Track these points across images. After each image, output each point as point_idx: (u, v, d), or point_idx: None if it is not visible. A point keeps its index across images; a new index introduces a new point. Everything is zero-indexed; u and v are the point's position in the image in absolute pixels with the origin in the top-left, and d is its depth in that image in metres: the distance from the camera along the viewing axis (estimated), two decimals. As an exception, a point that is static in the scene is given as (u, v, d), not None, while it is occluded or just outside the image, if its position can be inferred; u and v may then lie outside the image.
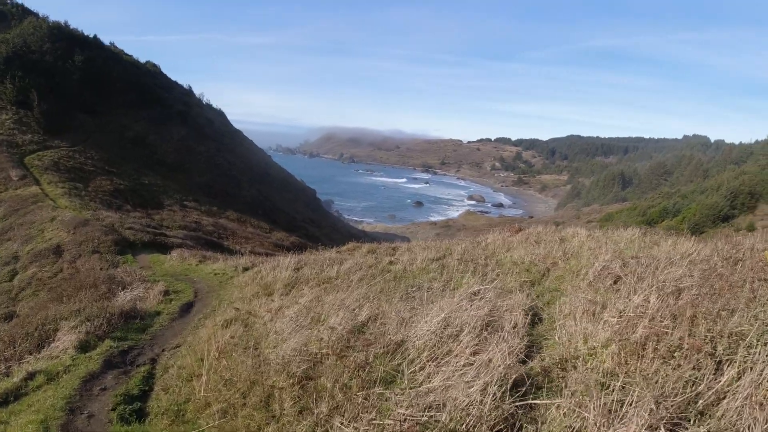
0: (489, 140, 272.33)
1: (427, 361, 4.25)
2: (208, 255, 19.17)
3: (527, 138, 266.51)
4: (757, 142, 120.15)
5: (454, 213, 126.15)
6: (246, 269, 14.17)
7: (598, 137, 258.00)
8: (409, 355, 4.47)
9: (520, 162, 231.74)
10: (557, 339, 4.66)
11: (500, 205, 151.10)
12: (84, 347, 7.43)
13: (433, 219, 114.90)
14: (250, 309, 8.19)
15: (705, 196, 76.04)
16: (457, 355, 4.21)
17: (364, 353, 4.41)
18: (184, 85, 71.79)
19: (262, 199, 53.07)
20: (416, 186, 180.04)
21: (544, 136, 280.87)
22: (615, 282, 6.16)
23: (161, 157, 47.38)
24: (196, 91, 73.69)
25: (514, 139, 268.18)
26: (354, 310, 6.09)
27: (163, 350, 7.59)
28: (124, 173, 38.27)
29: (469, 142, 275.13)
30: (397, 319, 5.58)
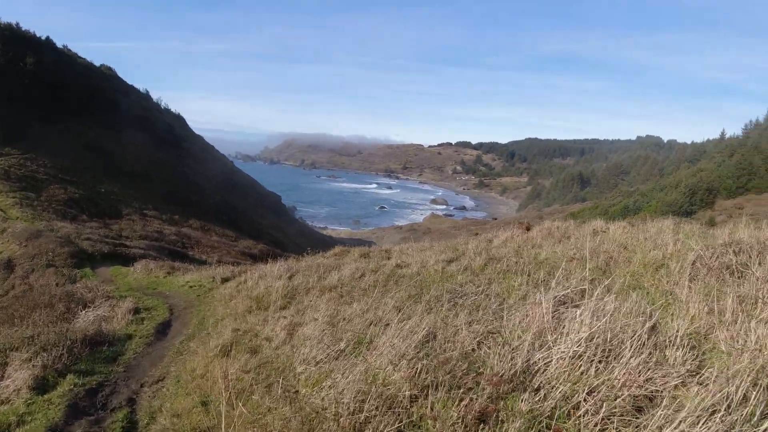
0: (450, 144, 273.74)
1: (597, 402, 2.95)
2: (176, 266, 17.38)
3: (487, 141, 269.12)
4: (708, 140, 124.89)
5: (419, 217, 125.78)
6: (226, 280, 12.59)
7: (555, 139, 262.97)
8: (554, 389, 3.17)
9: (481, 165, 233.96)
10: None
11: (463, 208, 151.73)
12: (41, 387, 5.79)
13: (398, 223, 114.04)
14: (250, 328, 6.74)
15: (664, 194, 78.07)
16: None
17: (485, 391, 3.08)
18: (142, 90, 68.64)
19: (226, 206, 50.76)
20: (379, 191, 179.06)
21: (504, 140, 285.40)
22: (732, 273, 5.12)
23: (119, 164, 44.53)
24: (154, 96, 70.59)
25: (474, 142, 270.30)
26: (408, 328, 4.76)
27: (142, 386, 6.02)
28: (79, 181, 35.56)
29: (430, 146, 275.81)
30: (472, 336, 4.32)
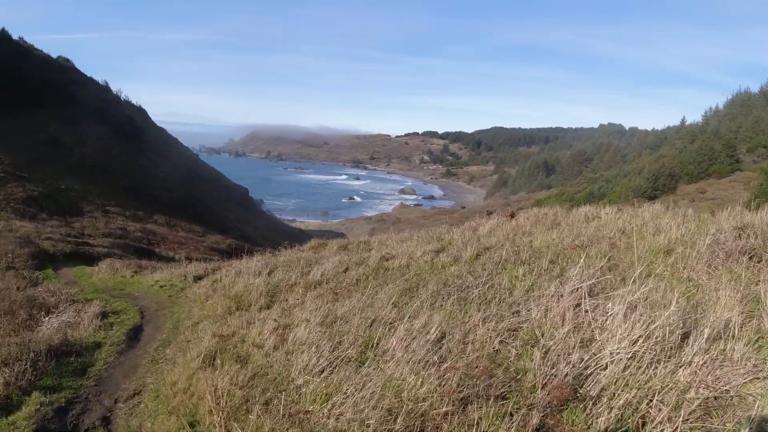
0: (417, 134, 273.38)
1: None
2: (144, 264, 16.45)
3: (453, 131, 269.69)
4: (669, 127, 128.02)
5: (388, 207, 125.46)
6: (199, 278, 11.85)
7: (520, 128, 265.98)
8: (616, 398, 2.73)
9: (448, 154, 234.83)
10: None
11: (431, 197, 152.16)
12: (5, 407, 5.08)
13: (367, 214, 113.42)
14: (234, 332, 6.14)
15: (628, 180, 79.80)
16: None
17: (539, 402, 2.62)
18: (101, 81, 65.69)
19: (191, 201, 49.19)
20: (347, 182, 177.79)
21: (470, 129, 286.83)
22: (751, 258, 4.82)
23: (79, 159, 42.45)
24: (113, 88, 67.75)
25: (440, 132, 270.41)
26: (417, 327, 4.28)
27: (116, 402, 5.38)
28: (37, 178, 33.67)
29: (397, 136, 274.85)
30: (494, 334, 3.88)
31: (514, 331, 4.29)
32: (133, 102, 71.05)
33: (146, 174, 48.38)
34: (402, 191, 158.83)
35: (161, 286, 11.87)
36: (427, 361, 3.55)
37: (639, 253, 6.25)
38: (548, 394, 2.71)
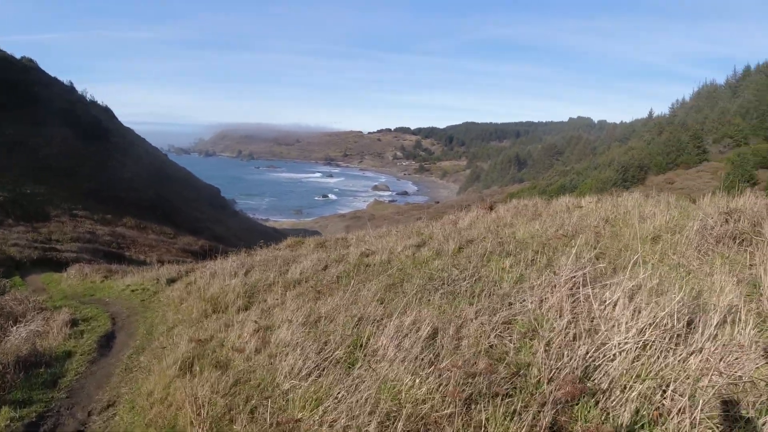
0: (389, 130, 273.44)
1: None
2: (114, 268, 15.89)
3: (426, 126, 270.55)
4: (637, 120, 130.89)
5: (362, 204, 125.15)
6: (172, 281, 11.44)
7: (492, 123, 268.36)
8: (628, 390, 2.56)
9: (421, 150, 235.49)
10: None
11: (405, 193, 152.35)
12: (-31, 426, 4.75)
13: (341, 211, 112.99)
14: (211, 336, 5.85)
15: (598, 172, 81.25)
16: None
17: (549, 398, 2.43)
18: (66, 82, 63.60)
19: (161, 202, 48.07)
20: (321, 179, 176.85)
21: (442, 124, 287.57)
22: (740, 243, 4.75)
23: (44, 162, 41.00)
24: (79, 89, 65.67)
25: (413, 128, 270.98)
26: (408, 323, 4.07)
27: (90, 414, 5.05)
28: (2, 183, 32.43)
29: (370, 132, 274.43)
30: (489, 328, 3.71)
31: (508, 324, 4.12)
32: (99, 102, 69.16)
33: (114, 176, 47.06)
34: (376, 188, 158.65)
35: (133, 291, 11.42)
36: (422, 359, 3.35)
37: (626, 240, 6.19)
38: (558, 390, 2.53)
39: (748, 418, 2.37)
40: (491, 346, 3.67)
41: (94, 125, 56.05)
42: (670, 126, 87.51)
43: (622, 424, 2.36)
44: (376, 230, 14.81)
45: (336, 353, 3.96)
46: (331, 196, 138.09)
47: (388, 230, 13.95)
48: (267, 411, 3.26)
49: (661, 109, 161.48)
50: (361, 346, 4.06)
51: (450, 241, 8.74)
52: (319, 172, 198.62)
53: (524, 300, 4.34)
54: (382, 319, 4.87)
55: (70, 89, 63.18)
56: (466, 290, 5.43)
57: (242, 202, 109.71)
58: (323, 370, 3.72)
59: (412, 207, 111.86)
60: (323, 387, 3.36)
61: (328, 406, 3.06)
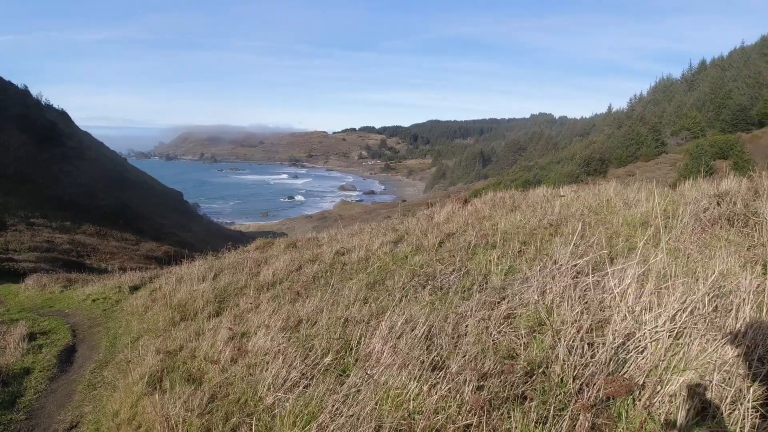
0: (354, 130, 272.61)
1: None
2: (74, 277, 15.00)
3: (391, 125, 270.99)
4: (596, 115, 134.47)
5: (328, 204, 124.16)
6: (135, 288, 10.80)
7: (455, 121, 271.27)
8: (666, 383, 2.26)
9: (386, 149, 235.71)
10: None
11: (372, 192, 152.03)
12: None
13: (307, 212, 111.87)
14: (181, 347, 5.37)
15: (561, 166, 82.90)
16: None
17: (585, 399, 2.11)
18: (20, 85, 60.53)
19: (122, 208, 46.33)
20: (286, 181, 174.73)
21: (406, 123, 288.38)
22: (733, 224, 4.58)
23: (-1, 169, 38.93)
24: (33, 92, 62.69)
25: (378, 127, 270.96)
26: (400, 323, 3.71)
27: (48, 438, 4.53)
28: (-46, 192, 30.61)
29: (334, 132, 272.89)
30: (493, 324, 3.39)
31: (508, 318, 3.83)
32: (55, 106, 66.30)
33: (72, 182, 45.14)
34: (342, 188, 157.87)
35: (94, 300, 10.72)
36: (423, 361, 3.00)
37: (616, 228, 6.00)
38: (598, 391, 2.22)
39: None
40: (495, 343, 3.36)
41: (51, 130, 53.64)
42: (629, 120, 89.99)
43: (669, 422, 2.08)
44: (347, 229, 14.43)
45: (324, 360, 3.58)
46: (298, 198, 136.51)
47: (360, 228, 13.56)
48: (250, 431, 2.86)
49: (620, 104, 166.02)
50: (350, 350, 3.70)
51: (429, 235, 8.45)
52: (284, 173, 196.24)
53: (522, 292, 4.05)
54: (369, 319, 4.52)
55: (25, 93, 60.32)
56: (455, 285, 5.12)
57: (206, 206, 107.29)
58: (311, 379, 3.34)
59: (379, 206, 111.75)
60: (314, 399, 2.98)
61: (323, 422, 2.67)
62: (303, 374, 3.44)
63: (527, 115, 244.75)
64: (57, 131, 55.66)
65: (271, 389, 3.33)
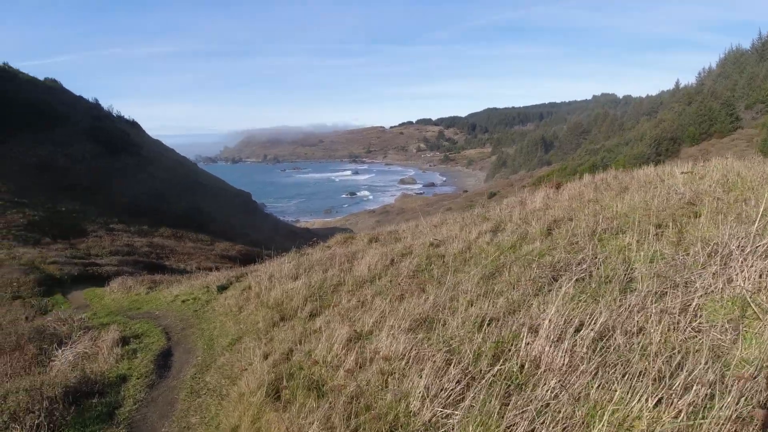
0: (411, 123, 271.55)
1: None
2: (158, 279, 15.31)
3: (447, 116, 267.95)
4: (663, 92, 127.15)
5: (390, 198, 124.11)
6: (223, 288, 10.69)
7: (513, 107, 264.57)
8: None
9: (444, 140, 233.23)
10: None
11: (432, 185, 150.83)
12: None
13: (370, 207, 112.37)
14: (290, 350, 5.01)
15: (630, 147, 79.04)
16: None
17: None
18: (90, 99, 64.18)
19: (195, 211, 47.99)
20: (346, 177, 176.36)
21: (463, 113, 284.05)
22: None
23: (75, 179, 41.15)
24: (104, 105, 66.29)
25: (434, 119, 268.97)
26: (563, 322, 3.13)
27: (160, 454, 4.27)
28: (36, 203, 32.54)
29: (391, 127, 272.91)
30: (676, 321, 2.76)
31: (684, 310, 3.17)
32: (126, 117, 69.71)
33: (147, 188, 47.17)
34: (402, 181, 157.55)
35: (183, 301, 10.72)
36: (623, 370, 2.40)
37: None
38: None
39: None
40: (686, 339, 2.72)
41: (123, 139, 56.34)
42: (699, 95, 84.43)
43: None
44: (427, 219, 13.92)
45: (478, 366, 3.04)
46: (359, 193, 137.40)
47: (443, 219, 13.01)
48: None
49: (688, 79, 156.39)
50: (507, 353, 3.15)
51: (533, 222, 7.77)
52: (344, 170, 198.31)
53: (693, 280, 3.36)
54: (505, 317, 3.96)
55: (96, 106, 63.71)
56: (598, 276, 4.47)
57: (271, 205, 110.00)
58: (471, 389, 2.81)
59: (440, 197, 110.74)
60: (491, 416, 2.45)
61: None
62: (458, 383, 2.92)
63: (589, 97, 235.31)
64: (129, 140, 58.37)
65: (426, 402, 2.83)
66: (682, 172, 7.88)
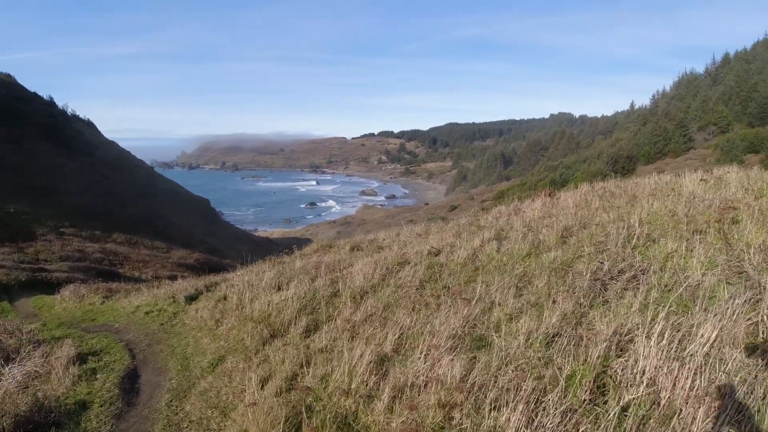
0: (373, 135, 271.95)
1: None
2: (114, 287, 14.03)
3: (409, 129, 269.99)
4: (618, 113, 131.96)
5: (351, 209, 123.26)
6: (193, 298, 9.65)
7: (474, 123, 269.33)
8: None
9: (405, 153, 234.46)
10: None
11: (393, 197, 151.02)
12: None
13: (330, 218, 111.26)
14: (294, 374, 4.19)
15: (588, 165, 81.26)
16: None
17: None
18: (45, 97, 60.81)
19: (151, 216, 45.82)
20: (307, 187, 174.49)
21: (425, 126, 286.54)
22: None
23: (27, 179, 38.45)
24: (59, 104, 62.98)
25: (396, 131, 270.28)
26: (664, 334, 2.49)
27: None
28: (-18, 203, 30.18)
29: (353, 138, 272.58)
30: None
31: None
32: (82, 117, 66.50)
33: (101, 191, 44.71)
34: (363, 193, 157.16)
35: (147, 313, 9.62)
36: None
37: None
38: None
39: None
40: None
41: (78, 140, 53.53)
42: (654, 116, 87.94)
43: None
44: (412, 228, 13.33)
45: (578, 395, 2.36)
46: (319, 204, 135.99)
47: (427, 229, 12.45)
48: None
49: (642, 101, 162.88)
50: (603, 377, 2.49)
51: (543, 230, 7.20)
52: (304, 179, 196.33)
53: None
54: (566, 331, 3.31)
55: (51, 104, 60.50)
56: (650, 284, 3.90)
57: (228, 213, 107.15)
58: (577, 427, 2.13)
59: (402, 210, 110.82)
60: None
61: None
62: (565, 420, 2.24)
63: (546, 115, 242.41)
64: (84, 140, 55.58)
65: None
66: (701, 180, 7.50)
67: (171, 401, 5.13)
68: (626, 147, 77.50)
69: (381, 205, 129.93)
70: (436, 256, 7.72)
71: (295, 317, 6.03)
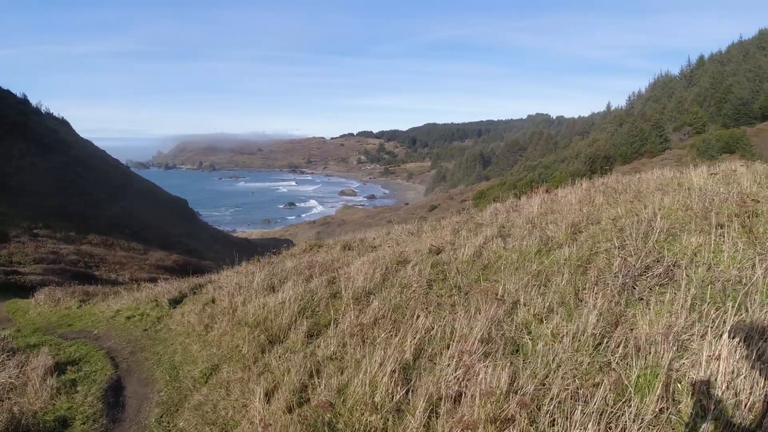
0: (352, 135, 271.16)
1: None
2: (91, 290, 13.41)
3: (388, 129, 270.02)
4: (595, 114, 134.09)
5: (330, 210, 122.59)
6: (177, 302, 9.16)
7: (453, 123, 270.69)
8: None
9: (384, 153, 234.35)
10: None
11: (373, 197, 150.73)
12: None
13: (310, 219, 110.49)
14: (303, 385, 3.83)
15: (566, 165, 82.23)
16: None
17: None
18: (18, 94, 58.82)
19: (127, 217, 44.64)
20: (285, 187, 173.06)
21: (404, 127, 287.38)
22: None
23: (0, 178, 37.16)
24: (33, 101, 61.03)
25: (375, 131, 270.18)
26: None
27: None
28: (-47, 203, 28.94)
29: (332, 138, 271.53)
30: None
31: None
32: (56, 114, 64.61)
33: (76, 191, 43.37)
34: (342, 193, 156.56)
35: (128, 317, 9.09)
36: None
37: None
38: None
39: None
40: None
41: (52, 138, 51.87)
42: (630, 117, 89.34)
43: None
44: (401, 227, 13.06)
45: (644, 403, 2.06)
46: (298, 204, 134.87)
47: (419, 227, 12.15)
48: None
49: (619, 102, 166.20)
50: (665, 388, 2.20)
51: (550, 227, 6.94)
52: (284, 180, 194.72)
53: None
54: (606, 334, 3.02)
55: (24, 101, 58.59)
56: (683, 280, 3.64)
57: (206, 214, 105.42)
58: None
59: (382, 210, 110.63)
60: None
61: None
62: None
63: (524, 116, 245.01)
64: (58, 138, 53.96)
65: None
66: (711, 173, 7.33)
67: (161, 416, 4.69)
68: (603, 147, 78.57)
69: (361, 205, 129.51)
70: (438, 254, 7.41)
71: (295, 321, 5.64)
